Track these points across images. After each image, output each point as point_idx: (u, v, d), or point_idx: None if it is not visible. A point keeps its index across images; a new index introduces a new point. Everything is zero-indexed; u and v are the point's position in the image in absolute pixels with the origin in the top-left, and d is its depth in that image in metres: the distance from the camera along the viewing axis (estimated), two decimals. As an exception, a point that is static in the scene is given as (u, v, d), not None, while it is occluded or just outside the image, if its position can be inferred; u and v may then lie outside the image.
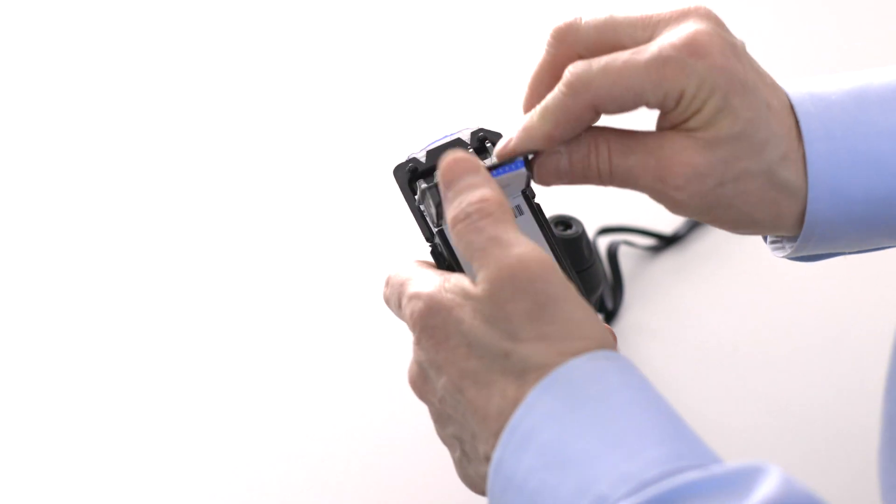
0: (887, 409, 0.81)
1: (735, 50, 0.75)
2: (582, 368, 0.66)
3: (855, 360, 1.01)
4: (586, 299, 0.72)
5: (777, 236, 0.81)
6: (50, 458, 0.93)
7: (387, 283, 0.75)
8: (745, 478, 0.63)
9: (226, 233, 1.09)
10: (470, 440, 0.70)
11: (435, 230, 0.76)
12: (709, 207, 0.76)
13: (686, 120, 0.75)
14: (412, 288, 0.72)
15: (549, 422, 0.66)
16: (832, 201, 0.77)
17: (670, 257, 1.08)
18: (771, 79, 0.77)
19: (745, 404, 0.99)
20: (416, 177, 0.77)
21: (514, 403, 0.67)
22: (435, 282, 0.71)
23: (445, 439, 0.73)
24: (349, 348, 1.01)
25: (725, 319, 1.04)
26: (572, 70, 0.73)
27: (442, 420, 0.72)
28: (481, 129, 0.78)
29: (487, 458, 0.68)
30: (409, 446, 0.95)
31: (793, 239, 0.79)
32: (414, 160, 0.77)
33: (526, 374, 0.67)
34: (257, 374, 0.99)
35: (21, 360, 1.00)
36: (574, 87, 0.73)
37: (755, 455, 0.94)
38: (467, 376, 0.68)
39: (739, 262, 1.08)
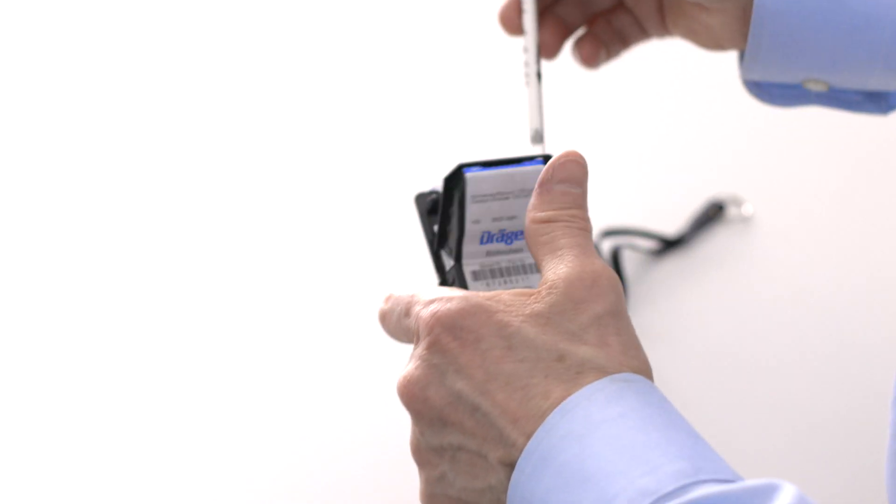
0: (895, 415, 0.81)
1: None
2: (604, 390, 0.67)
3: (862, 366, 1.00)
4: None
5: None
6: (35, 458, 0.93)
7: (387, 299, 0.75)
8: (761, 494, 0.62)
9: (214, 238, 1.08)
10: (477, 448, 0.70)
11: (451, 265, 0.77)
12: None
13: None
14: (429, 295, 0.72)
15: (569, 441, 0.66)
16: None
17: (674, 260, 1.08)
18: None
19: (750, 409, 0.98)
20: (435, 209, 0.78)
21: (558, 404, 0.67)
22: (463, 291, 0.72)
23: (429, 453, 0.72)
24: (342, 355, 1.00)
25: (729, 323, 1.04)
26: None
27: (437, 428, 0.71)
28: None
29: (504, 464, 0.68)
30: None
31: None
32: (437, 192, 0.78)
33: (581, 375, 0.67)
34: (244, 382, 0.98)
35: (9, 359, 0.99)
36: None
37: (759, 459, 0.94)
38: (497, 378, 0.68)
39: (743, 265, 1.08)
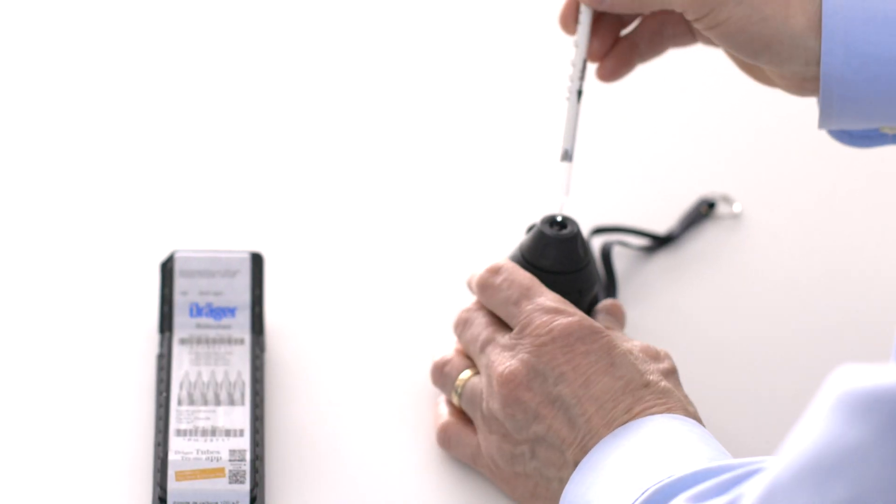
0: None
1: None
2: (675, 420, 0.84)
3: (851, 360, 1.00)
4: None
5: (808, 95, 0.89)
6: None
7: (496, 271, 0.90)
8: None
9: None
10: (558, 444, 0.83)
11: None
12: (713, 9, 0.85)
13: None
14: (549, 300, 0.87)
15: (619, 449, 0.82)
16: (845, 56, 0.83)
17: (664, 258, 1.08)
18: None
19: (739, 406, 0.99)
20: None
21: (632, 420, 0.82)
22: (578, 311, 0.87)
23: (512, 435, 0.85)
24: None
25: (719, 320, 1.04)
26: None
27: (529, 418, 0.84)
28: None
29: (577, 463, 0.82)
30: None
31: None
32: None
33: (662, 400, 0.83)
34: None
35: None
36: None
37: (749, 453, 0.94)
38: (594, 387, 0.83)
39: (733, 262, 1.08)
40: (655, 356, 0.88)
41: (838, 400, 0.58)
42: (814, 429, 0.59)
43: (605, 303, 0.94)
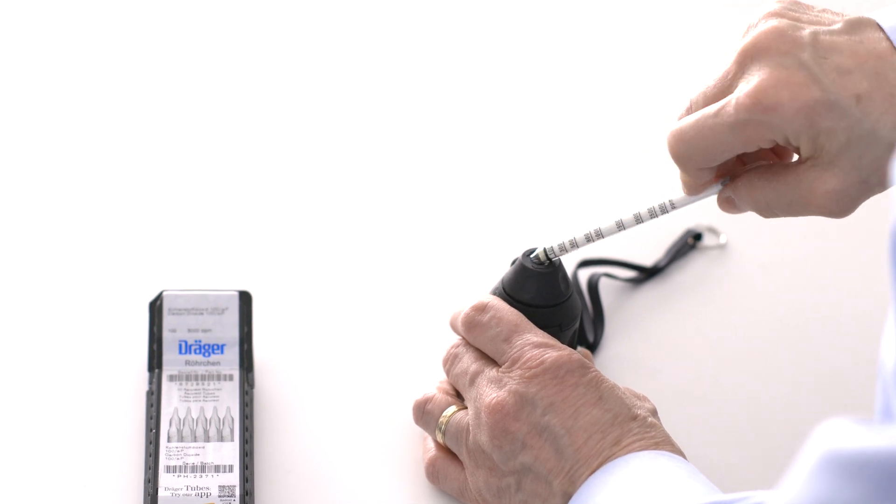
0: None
1: (802, 56, 0.78)
2: (663, 457, 0.84)
3: (840, 394, 1.01)
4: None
5: None
6: None
7: (482, 309, 0.90)
8: None
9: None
10: (545, 474, 0.84)
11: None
12: (864, 195, 0.82)
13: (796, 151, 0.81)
14: (537, 337, 0.88)
15: (611, 485, 0.83)
16: None
17: (651, 289, 1.09)
18: (849, 39, 0.79)
19: (727, 436, 0.99)
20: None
21: (620, 451, 0.84)
22: (565, 347, 0.88)
23: (499, 466, 0.86)
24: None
25: (706, 351, 1.04)
26: (670, 144, 0.84)
27: (516, 448, 0.85)
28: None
29: (564, 493, 0.84)
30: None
31: None
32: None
33: (648, 433, 0.85)
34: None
35: None
36: (680, 160, 0.84)
37: (737, 482, 0.94)
38: (583, 419, 0.84)
39: (720, 293, 1.09)
40: (637, 396, 0.90)
41: (825, 459, 0.58)
42: (803, 488, 0.59)
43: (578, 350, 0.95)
